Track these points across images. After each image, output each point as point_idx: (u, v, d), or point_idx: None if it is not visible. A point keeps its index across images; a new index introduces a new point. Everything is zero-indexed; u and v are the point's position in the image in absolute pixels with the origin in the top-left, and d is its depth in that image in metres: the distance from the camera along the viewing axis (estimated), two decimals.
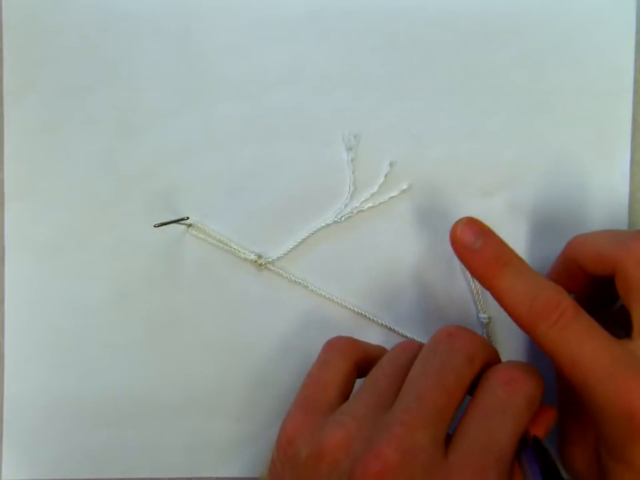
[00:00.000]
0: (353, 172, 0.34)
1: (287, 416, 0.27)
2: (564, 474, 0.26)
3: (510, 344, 0.34)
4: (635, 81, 0.34)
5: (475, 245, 0.27)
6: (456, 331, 0.27)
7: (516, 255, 0.27)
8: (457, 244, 0.28)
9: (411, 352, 0.28)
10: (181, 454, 0.34)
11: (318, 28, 0.34)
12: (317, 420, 0.26)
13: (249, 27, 0.34)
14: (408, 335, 0.34)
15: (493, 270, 0.27)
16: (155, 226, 0.33)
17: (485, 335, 0.34)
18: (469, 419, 0.25)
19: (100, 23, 0.34)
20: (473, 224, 0.28)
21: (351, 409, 0.26)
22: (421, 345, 0.28)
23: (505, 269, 0.26)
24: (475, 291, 0.34)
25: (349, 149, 0.34)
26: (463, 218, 0.28)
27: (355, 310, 0.34)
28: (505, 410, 0.25)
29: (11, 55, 0.34)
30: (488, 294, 0.34)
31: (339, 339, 0.30)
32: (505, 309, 0.27)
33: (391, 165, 0.34)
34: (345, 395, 0.28)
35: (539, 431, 0.26)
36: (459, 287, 0.34)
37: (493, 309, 0.34)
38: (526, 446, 0.25)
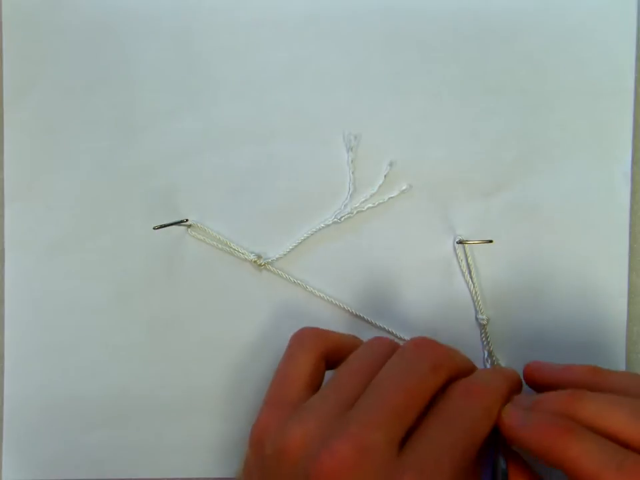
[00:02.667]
0: (352, 172, 0.34)
1: (258, 413, 0.27)
2: None
3: (509, 344, 0.34)
4: (636, 81, 0.34)
5: (527, 422, 0.25)
6: (424, 342, 0.27)
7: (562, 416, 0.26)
8: (507, 429, 0.26)
9: (381, 351, 0.28)
10: (180, 454, 0.34)
11: (318, 28, 0.34)
12: (284, 416, 0.26)
13: (249, 27, 0.34)
14: (407, 336, 0.34)
15: (556, 440, 0.24)
16: (154, 228, 0.33)
17: (483, 336, 0.34)
18: (427, 423, 0.25)
19: (100, 23, 0.34)
20: (515, 404, 0.26)
21: (314, 407, 0.26)
22: (392, 343, 0.28)
23: (570, 437, 0.24)
24: (474, 291, 0.34)
25: (349, 149, 0.34)
26: (505, 406, 0.27)
27: (354, 312, 0.34)
28: (461, 416, 0.25)
29: (11, 54, 0.34)
30: (487, 294, 0.34)
31: (304, 331, 0.29)
32: (579, 477, 0.24)
33: (390, 165, 0.34)
34: (314, 388, 0.28)
35: None
36: (459, 288, 0.34)
37: (492, 309, 0.34)
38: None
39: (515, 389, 0.28)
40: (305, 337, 0.29)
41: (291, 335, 0.29)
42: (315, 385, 0.28)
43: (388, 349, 0.28)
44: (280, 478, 0.25)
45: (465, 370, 0.28)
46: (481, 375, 0.27)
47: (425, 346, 0.27)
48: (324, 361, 0.29)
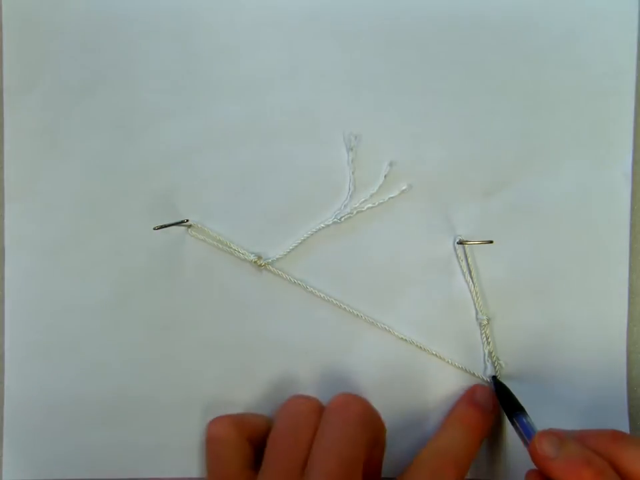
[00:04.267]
0: (353, 172, 0.34)
1: None
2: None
3: (509, 344, 0.34)
4: (637, 81, 0.34)
5: (560, 454, 0.27)
6: (347, 399, 0.29)
7: (597, 456, 0.27)
8: (538, 458, 0.28)
9: (305, 417, 0.29)
10: (180, 454, 0.34)
11: (317, 28, 0.34)
12: None
13: (249, 27, 0.34)
14: (407, 336, 0.34)
15: (582, 476, 0.26)
16: (154, 228, 0.33)
17: (483, 336, 0.34)
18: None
19: (100, 23, 0.34)
20: (548, 435, 0.28)
21: None
22: (311, 402, 0.29)
23: (595, 475, 0.26)
24: (474, 291, 0.34)
25: (350, 149, 0.34)
26: (538, 432, 0.29)
27: (354, 312, 0.34)
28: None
29: (11, 55, 0.34)
30: (487, 294, 0.34)
31: (219, 428, 0.30)
32: None
33: (390, 165, 0.34)
34: (251, 466, 0.29)
35: None
36: (459, 288, 0.34)
37: (492, 309, 0.34)
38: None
39: (477, 442, 0.31)
40: (222, 435, 0.29)
41: (207, 431, 0.30)
42: (251, 466, 0.29)
43: (311, 414, 0.29)
44: None
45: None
46: (448, 443, 0.30)
47: (350, 407, 0.29)
48: (250, 444, 0.29)
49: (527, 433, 0.30)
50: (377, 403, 0.33)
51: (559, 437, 0.27)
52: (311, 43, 0.34)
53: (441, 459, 0.29)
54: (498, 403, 0.33)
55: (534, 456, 0.28)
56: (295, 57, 0.34)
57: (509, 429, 0.33)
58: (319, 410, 0.29)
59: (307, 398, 0.30)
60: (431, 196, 0.34)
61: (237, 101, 0.34)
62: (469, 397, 0.33)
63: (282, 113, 0.34)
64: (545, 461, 0.27)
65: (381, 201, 0.34)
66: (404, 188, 0.34)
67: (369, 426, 0.28)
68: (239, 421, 0.30)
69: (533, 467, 0.29)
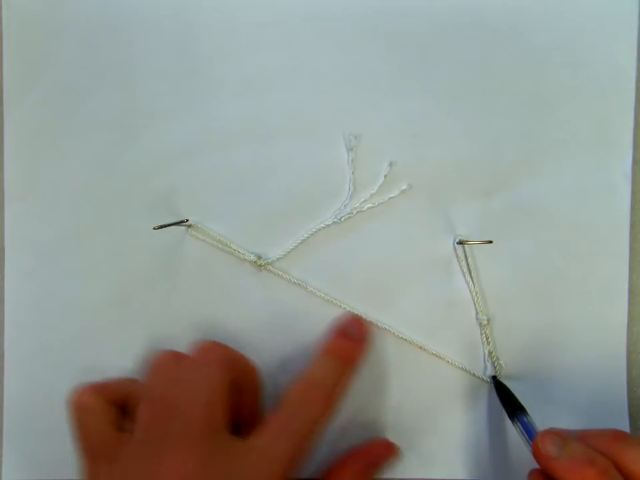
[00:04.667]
0: (353, 172, 0.34)
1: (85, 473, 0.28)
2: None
3: (509, 344, 0.34)
4: (637, 81, 0.34)
5: (562, 453, 0.27)
6: (207, 345, 0.30)
7: (600, 456, 0.27)
8: (541, 458, 0.28)
9: (168, 370, 0.29)
10: None
11: (317, 28, 0.34)
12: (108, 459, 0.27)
13: (249, 27, 0.34)
14: (407, 336, 0.34)
15: (586, 475, 0.26)
16: (154, 228, 0.33)
17: (483, 336, 0.34)
18: (264, 431, 0.28)
19: (100, 23, 0.34)
20: (551, 434, 0.28)
21: (135, 447, 0.27)
22: (174, 355, 0.29)
23: (604, 478, 0.26)
24: (474, 291, 0.34)
25: (350, 149, 0.34)
26: (540, 432, 0.29)
27: (354, 311, 0.34)
28: (301, 412, 0.28)
29: (11, 54, 0.34)
30: (487, 294, 0.34)
31: (81, 397, 0.29)
32: None
33: (390, 165, 0.34)
34: (119, 428, 0.28)
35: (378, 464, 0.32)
36: (459, 288, 0.34)
37: (492, 309, 0.34)
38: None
39: (350, 378, 0.31)
40: (83, 400, 0.29)
41: (69, 401, 0.29)
42: (119, 427, 0.28)
43: (174, 365, 0.29)
44: None
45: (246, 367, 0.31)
46: (317, 373, 0.30)
47: (207, 352, 0.29)
48: (113, 405, 0.29)
49: (528, 433, 0.30)
50: (377, 402, 0.33)
51: (562, 436, 0.27)
52: (311, 43, 0.34)
53: (311, 389, 0.29)
54: (491, 399, 0.33)
55: (537, 455, 0.28)
56: (294, 57, 0.34)
57: (510, 429, 0.33)
58: (181, 359, 0.29)
59: (168, 351, 0.30)
60: (431, 196, 0.34)
61: (236, 100, 0.34)
62: (338, 327, 0.32)
63: (282, 112, 0.34)
64: (548, 460, 0.27)
65: (381, 201, 0.34)
66: (404, 188, 0.34)
67: (227, 369, 0.28)
68: (100, 387, 0.30)
69: (535, 466, 0.29)
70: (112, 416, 0.29)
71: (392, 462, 0.32)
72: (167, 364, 0.29)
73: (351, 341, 0.31)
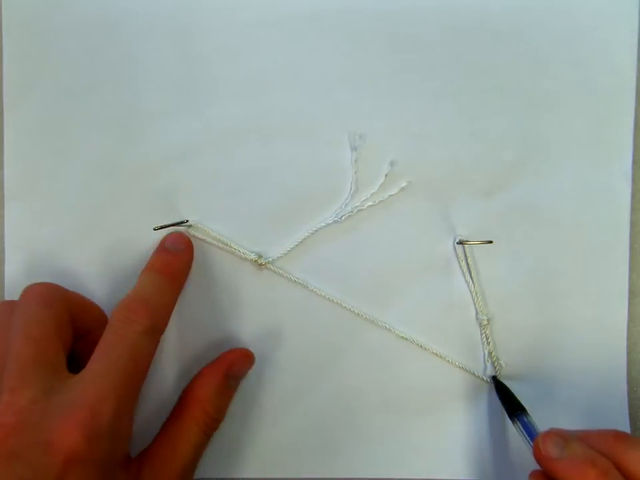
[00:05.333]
0: (355, 172, 0.34)
1: None
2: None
3: (509, 344, 0.34)
4: (637, 81, 0.34)
5: (563, 454, 0.27)
6: (32, 288, 0.30)
7: (601, 456, 0.27)
8: (542, 458, 0.28)
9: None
10: None
11: (317, 28, 0.34)
12: None
13: (249, 27, 0.34)
14: (407, 335, 0.34)
15: (587, 476, 0.26)
16: (154, 229, 0.33)
17: (483, 336, 0.34)
18: (94, 353, 0.28)
19: (100, 23, 0.34)
20: (552, 435, 0.28)
21: None
22: (8, 302, 0.30)
23: (600, 475, 0.26)
24: (474, 291, 0.34)
25: (354, 149, 0.34)
26: (541, 433, 0.29)
27: (355, 310, 0.34)
28: (120, 347, 0.28)
29: (11, 54, 0.34)
30: (487, 294, 0.34)
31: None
32: None
33: (391, 164, 0.34)
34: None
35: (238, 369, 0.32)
36: (459, 287, 0.34)
37: (492, 309, 0.34)
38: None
39: (176, 291, 0.32)
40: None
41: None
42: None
43: (8, 311, 0.30)
44: None
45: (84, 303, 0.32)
46: (138, 289, 0.30)
47: (31, 290, 0.30)
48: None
49: (528, 433, 0.30)
50: (377, 402, 0.33)
51: (563, 437, 0.27)
52: (311, 42, 0.34)
53: (134, 305, 0.29)
54: (491, 399, 0.32)
55: (538, 456, 0.28)
56: (295, 56, 0.34)
57: (510, 429, 0.33)
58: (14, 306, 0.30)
59: (3, 301, 0.31)
60: (431, 196, 0.34)
61: (237, 100, 0.34)
62: (159, 245, 0.33)
63: (282, 112, 0.34)
64: (549, 461, 0.27)
65: (381, 199, 0.34)
66: (404, 185, 0.34)
67: (53, 305, 0.29)
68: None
69: (535, 466, 0.29)
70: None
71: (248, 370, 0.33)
72: (3, 312, 0.30)
73: (171, 254, 0.32)
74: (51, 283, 0.31)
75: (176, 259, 0.33)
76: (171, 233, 0.34)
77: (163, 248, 0.33)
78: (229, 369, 0.32)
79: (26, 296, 0.30)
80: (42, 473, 0.25)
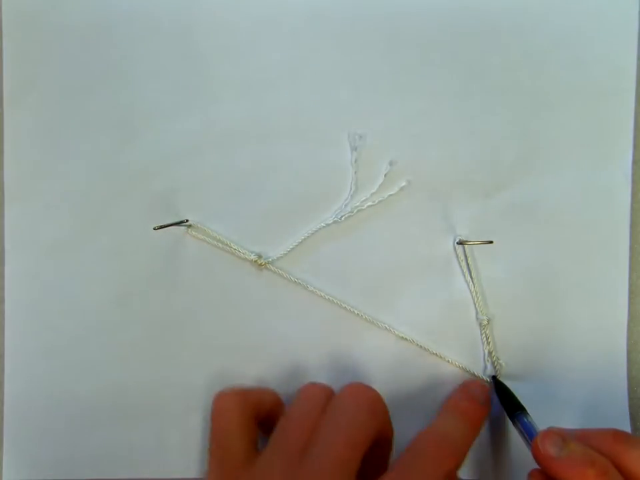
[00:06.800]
0: (355, 172, 0.34)
1: (207, 473, 0.29)
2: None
3: (509, 344, 0.34)
4: (637, 81, 0.34)
5: (562, 454, 0.27)
6: (359, 389, 0.29)
7: (600, 456, 0.27)
8: (541, 458, 0.28)
9: (317, 401, 0.29)
10: (180, 454, 0.34)
11: (318, 28, 0.34)
12: (234, 475, 0.28)
13: (249, 26, 0.34)
14: (407, 336, 0.34)
15: (586, 476, 0.26)
16: (154, 228, 0.33)
17: (483, 336, 0.34)
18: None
19: (100, 23, 0.34)
20: (551, 434, 0.28)
21: (266, 465, 0.27)
22: (326, 390, 0.30)
23: (599, 475, 0.26)
24: (474, 291, 0.34)
25: (354, 149, 0.34)
26: (540, 432, 0.29)
27: (354, 311, 0.34)
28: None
29: (11, 54, 0.34)
30: (487, 294, 0.34)
31: (224, 396, 0.30)
32: None
33: (390, 164, 0.34)
34: (254, 443, 0.29)
35: None
36: (459, 288, 0.34)
37: (492, 309, 0.34)
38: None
39: (479, 427, 0.31)
40: (228, 402, 0.30)
41: (214, 401, 0.30)
42: (254, 443, 0.29)
43: (323, 398, 0.29)
44: None
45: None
46: (448, 428, 0.29)
47: (361, 393, 0.29)
48: (253, 421, 0.30)
49: (528, 433, 0.30)
50: None
51: (562, 436, 0.27)
52: (311, 42, 0.34)
53: (440, 446, 0.28)
54: (491, 399, 0.33)
55: (537, 456, 0.28)
56: (295, 56, 0.34)
57: (510, 429, 0.33)
58: (331, 396, 0.30)
59: (321, 385, 0.31)
60: (431, 196, 0.34)
61: (237, 100, 0.34)
62: (463, 389, 0.33)
63: (282, 112, 0.34)
64: (548, 460, 0.27)
65: (381, 199, 0.34)
66: (403, 185, 0.34)
67: (378, 415, 0.29)
68: (244, 397, 0.30)
69: (535, 466, 0.29)
70: (250, 430, 0.29)
71: None
72: (317, 395, 0.29)
73: (477, 403, 0.31)
74: (378, 393, 0.29)
75: (482, 410, 0.32)
76: (474, 381, 0.33)
77: (469, 394, 0.32)
78: None
79: (358, 399, 0.29)
80: None
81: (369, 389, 0.29)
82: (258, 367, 0.34)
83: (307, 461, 0.26)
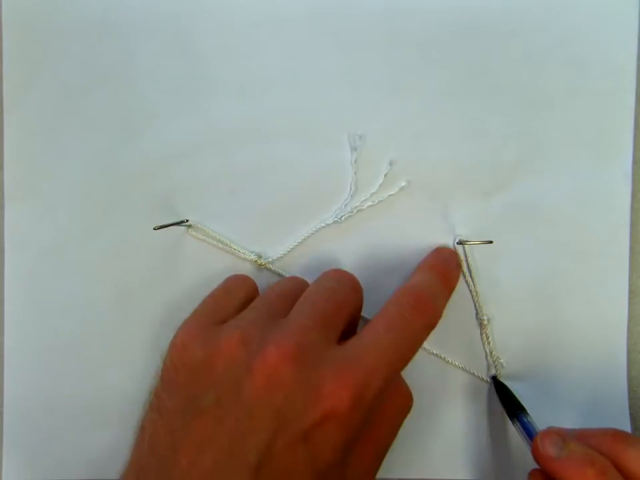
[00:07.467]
0: (355, 172, 0.34)
1: (181, 326, 0.29)
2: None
3: (509, 344, 0.34)
4: (637, 81, 0.34)
5: (562, 454, 0.27)
6: (342, 271, 0.30)
7: (600, 456, 0.27)
8: (541, 458, 0.28)
9: (300, 283, 0.31)
10: None
11: (317, 28, 0.34)
12: (212, 329, 0.28)
13: (249, 26, 0.34)
14: None
15: (585, 476, 0.26)
16: (154, 228, 0.33)
17: (483, 336, 0.34)
18: (372, 325, 0.27)
19: (100, 23, 0.34)
20: (550, 434, 0.28)
21: (246, 316, 0.28)
22: (306, 282, 0.31)
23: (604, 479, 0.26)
24: (474, 291, 0.34)
25: (354, 149, 0.34)
26: (540, 432, 0.29)
27: None
28: (404, 329, 0.27)
29: (11, 55, 0.34)
30: (487, 294, 0.34)
31: (240, 275, 0.32)
32: None
33: (390, 164, 0.34)
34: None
35: None
36: (459, 287, 0.34)
37: (492, 309, 0.34)
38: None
39: (453, 287, 0.32)
40: (243, 278, 0.32)
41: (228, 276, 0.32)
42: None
43: (305, 284, 0.31)
44: (208, 382, 0.26)
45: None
46: (425, 283, 0.30)
47: (344, 272, 0.30)
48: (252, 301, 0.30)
49: (528, 433, 0.30)
50: None
51: (562, 436, 0.27)
52: (310, 43, 0.34)
53: (425, 294, 0.29)
54: (491, 399, 0.32)
55: (537, 456, 0.28)
56: (294, 57, 0.34)
57: (510, 429, 0.33)
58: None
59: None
60: (431, 196, 0.34)
61: (237, 100, 0.34)
62: (436, 254, 0.33)
63: (282, 113, 0.34)
64: (547, 460, 0.27)
65: (381, 199, 0.34)
66: (403, 185, 0.34)
67: (358, 293, 0.30)
68: (253, 282, 0.32)
69: (535, 466, 0.29)
70: (245, 305, 0.30)
71: None
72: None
73: (450, 264, 0.32)
74: (354, 275, 0.30)
75: (455, 271, 0.33)
76: (444, 248, 0.34)
77: (442, 256, 0.33)
78: None
79: (342, 275, 0.30)
80: (298, 411, 0.24)
81: (349, 272, 0.30)
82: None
83: (291, 315, 0.27)
